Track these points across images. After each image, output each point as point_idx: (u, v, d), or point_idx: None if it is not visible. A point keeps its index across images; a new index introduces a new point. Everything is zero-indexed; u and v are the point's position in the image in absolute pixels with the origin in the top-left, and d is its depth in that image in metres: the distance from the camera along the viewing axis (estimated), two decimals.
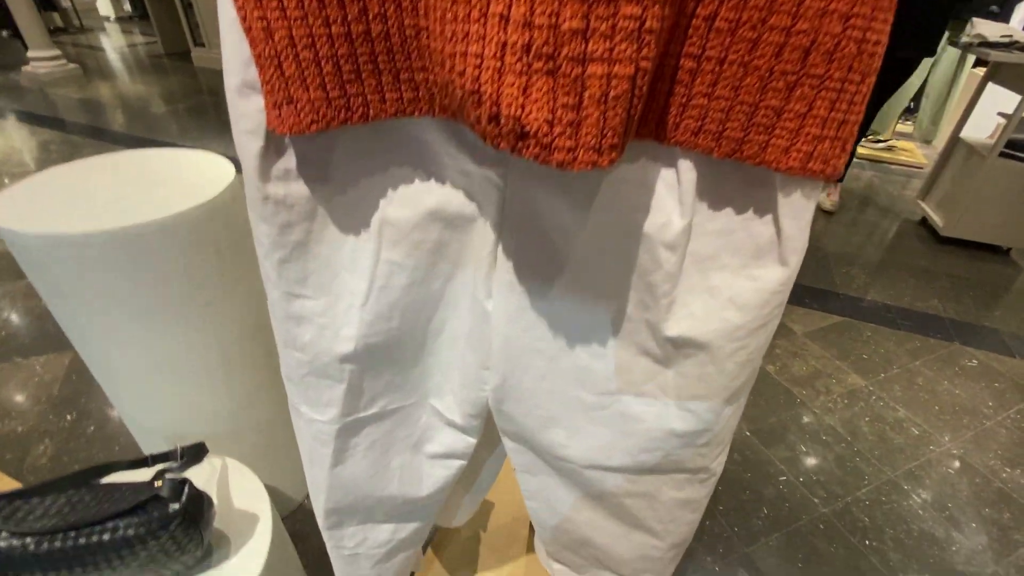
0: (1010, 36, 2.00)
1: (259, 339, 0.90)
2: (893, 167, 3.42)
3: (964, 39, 2.17)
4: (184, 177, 0.79)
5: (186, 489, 0.61)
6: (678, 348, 0.38)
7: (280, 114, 0.31)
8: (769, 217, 0.33)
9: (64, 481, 0.65)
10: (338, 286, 0.42)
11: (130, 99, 3.97)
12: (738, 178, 0.33)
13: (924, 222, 2.64)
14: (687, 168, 0.31)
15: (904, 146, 3.68)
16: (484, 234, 0.40)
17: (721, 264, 0.35)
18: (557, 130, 0.25)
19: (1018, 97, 2.02)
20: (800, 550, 1.13)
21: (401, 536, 0.66)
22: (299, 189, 0.37)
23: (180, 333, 0.77)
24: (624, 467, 0.47)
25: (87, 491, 0.63)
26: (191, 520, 0.62)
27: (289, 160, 0.36)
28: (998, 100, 2.26)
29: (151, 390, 0.82)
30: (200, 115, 3.69)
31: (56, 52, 4.23)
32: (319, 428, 0.52)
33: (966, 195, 2.29)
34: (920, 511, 1.23)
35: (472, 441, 0.54)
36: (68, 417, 1.35)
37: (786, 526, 1.18)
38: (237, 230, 0.80)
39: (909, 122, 4.12)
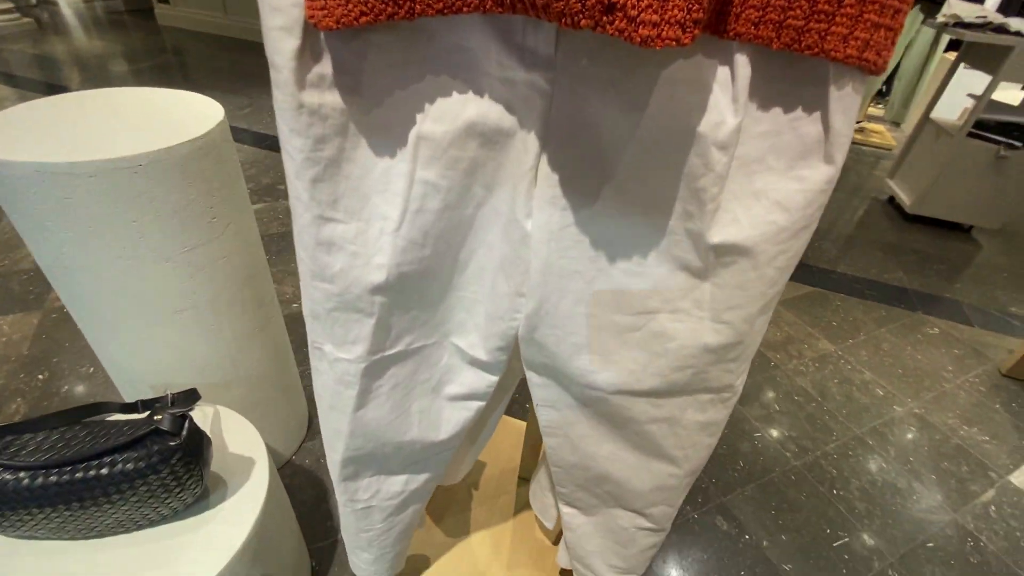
0: (984, 17, 2.06)
1: (251, 288, 0.89)
2: (864, 148, 3.52)
3: (939, 19, 2.23)
4: (172, 115, 0.76)
5: (186, 424, 0.61)
6: (720, 256, 0.39)
7: (325, 4, 0.29)
8: (817, 115, 0.34)
9: (54, 418, 0.64)
10: (369, 210, 0.41)
11: (88, 57, 3.75)
12: (790, 75, 0.33)
13: (892, 200, 2.74)
14: (742, 64, 0.31)
15: (875, 128, 3.79)
16: (525, 149, 0.39)
17: (767, 166, 0.36)
18: (645, 3, 0.25)
19: (988, 78, 2.10)
20: (773, 499, 1.19)
21: (413, 487, 0.67)
22: (334, 99, 0.36)
23: (169, 275, 0.75)
24: (653, 390, 0.48)
25: (81, 428, 0.62)
26: (191, 455, 0.61)
27: (325, 65, 0.34)
28: (969, 82, 2.34)
29: (137, 336, 0.80)
30: (165, 75, 3.51)
31: (8, 5, 3.95)
32: (344, 368, 0.51)
33: (933, 174, 2.38)
34: (884, 464, 1.30)
35: (494, 380, 0.55)
36: (40, 376, 1.30)
37: (760, 478, 1.24)
38: (228, 171, 0.78)
39: (880, 105, 4.24)
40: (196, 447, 0.62)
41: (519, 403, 1.35)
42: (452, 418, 0.58)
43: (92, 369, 1.33)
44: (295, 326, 1.34)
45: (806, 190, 0.36)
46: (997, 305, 1.98)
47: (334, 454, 0.61)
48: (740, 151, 0.35)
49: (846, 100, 0.33)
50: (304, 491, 1.10)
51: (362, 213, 0.41)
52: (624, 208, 0.40)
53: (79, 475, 0.57)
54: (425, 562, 0.95)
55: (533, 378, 0.54)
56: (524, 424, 1.05)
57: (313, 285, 0.46)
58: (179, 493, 0.62)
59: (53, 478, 0.56)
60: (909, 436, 1.39)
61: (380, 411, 0.55)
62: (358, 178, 0.40)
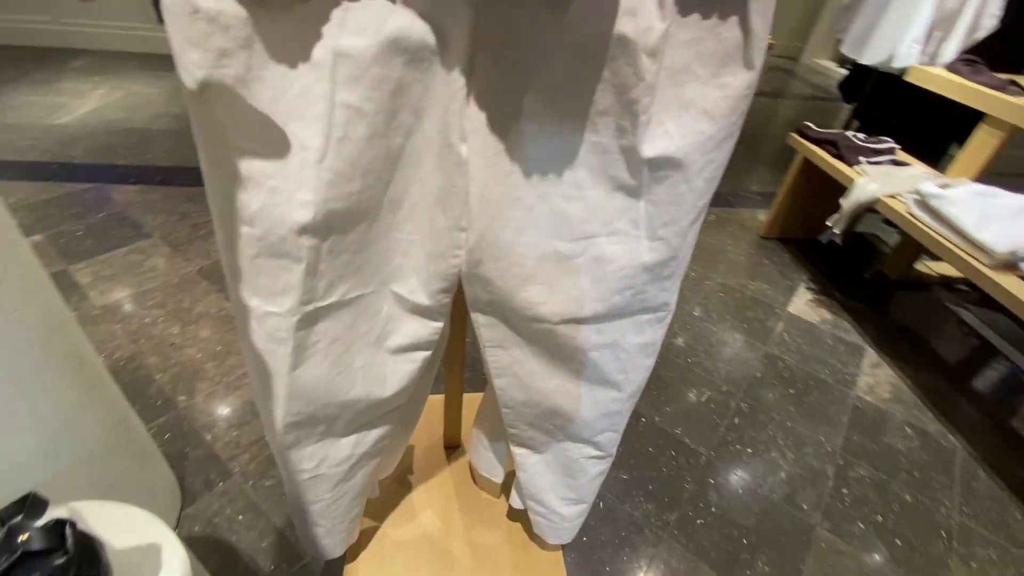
0: None
1: (59, 344, 0.67)
2: None
3: None
4: None
5: (67, 529, 0.45)
6: (653, 171, 0.41)
7: None
8: (735, 19, 0.37)
9: None
10: (287, 140, 0.36)
11: None
12: None
13: None
14: None
15: None
16: (453, 69, 0.36)
17: (694, 75, 0.39)
18: None
19: None
20: (651, 384, 1.38)
21: (362, 450, 0.61)
22: (234, 7, 0.30)
23: None
24: (596, 315, 0.50)
25: None
26: (90, 565, 0.46)
27: None
28: None
29: None
30: None
31: None
32: (275, 323, 0.45)
33: None
34: (712, 327, 1.62)
35: (438, 327, 0.52)
36: None
37: None
38: None
39: None
40: (91, 555, 0.47)
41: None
42: (398, 371, 0.55)
43: None
44: (126, 378, 1.04)
45: (729, 96, 0.40)
46: (742, 188, 2.54)
47: (272, 423, 0.54)
48: (667, 60, 0.38)
49: (763, 1, 0.37)
50: (209, 561, 0.92)
51: (280, 141, 0.36)
52: (559, 127, 0.39)
53: None
54: (380, 539, 0.90)
55: (479, 319, 0.53)
56: (441, 397, 1.03)
57: (231, 231, 0.40)
58: None
59: None
60: (719, 299, 1.74)
61: (319, 369, 0.49)
62: (271, 101, 0.34)
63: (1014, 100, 1.47)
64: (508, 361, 0.57)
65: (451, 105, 0.38)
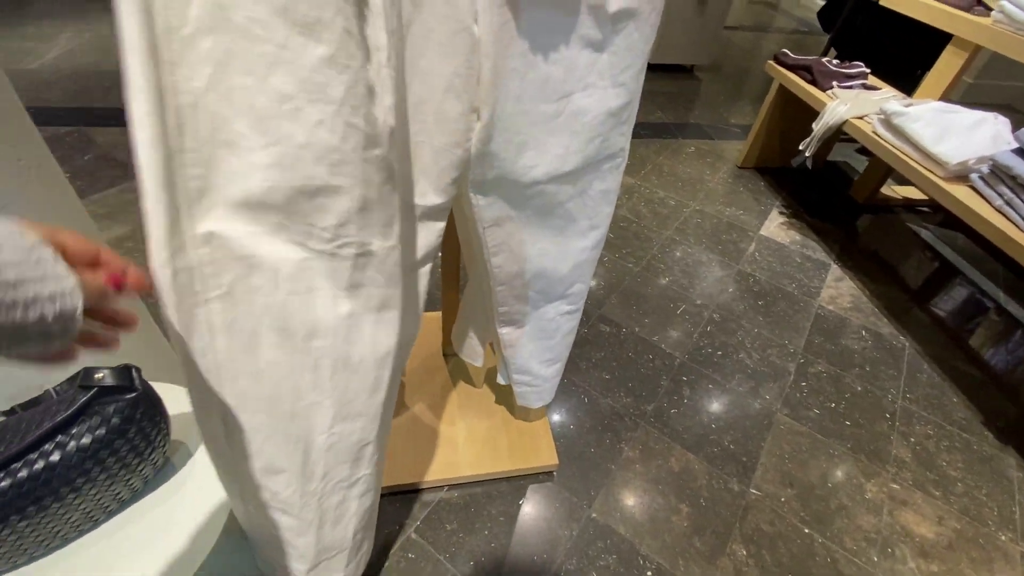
0: None
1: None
2: None
3: None
4: None
5: (134, 373, 0.53)
6: (615, 24, 0.49)
7: None
8: None
9: None
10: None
11: None
12: None
13: None
14: None
15: None
16: None
17: None
18: None
19: None
20: (631, 299, 1.50)
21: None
22: None
23: None
24: (575, 169, 0.59)
25: None
26: (153, 405, 0.55)
27: None
28: None
29: None
30: None
31: None
32: (395, 260, 0.49)
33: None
34: (689, 249, 1.71)
35: (441, 227, 0.57)
36: None
37: (617, 288, 1.53)
38: (5, 89, 0.61)
39: None
40: (153, 398, 0.55)
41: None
42: (419, 288, 0.61)
43: None
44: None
45: None
46: (722, 121, 2.59)
47: (378, 395, 0.55)
48: None
49: None
50: None
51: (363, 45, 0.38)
52: None
53: (24, 474, 0.47)
54: (400, 446, 1.01)
55: (479, 201, 0.60)
56: (438, 314, 1.13)
57: (363, 155, 0.40)
58: (150, 455, 0.56)
59: None
60: (698, 225, 1.83)
61: (412, 304, 0.56)
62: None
63: (979, 20, 1.53)
64: (503, 236, 0.65)
65: None
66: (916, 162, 1.38)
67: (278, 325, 0.45)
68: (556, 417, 1.16)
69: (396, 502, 0.98)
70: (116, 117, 2.04)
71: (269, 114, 0.36)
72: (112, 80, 2.30)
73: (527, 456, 1.04)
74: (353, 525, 0.64)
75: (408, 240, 0.52)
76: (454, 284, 1.03)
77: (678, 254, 1.69)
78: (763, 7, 4.71)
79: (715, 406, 1.23)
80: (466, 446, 1.03)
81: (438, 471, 0.99)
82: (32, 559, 0.53)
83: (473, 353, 1.01)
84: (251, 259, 0.42)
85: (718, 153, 2.28)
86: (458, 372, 1.17)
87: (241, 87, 0.35)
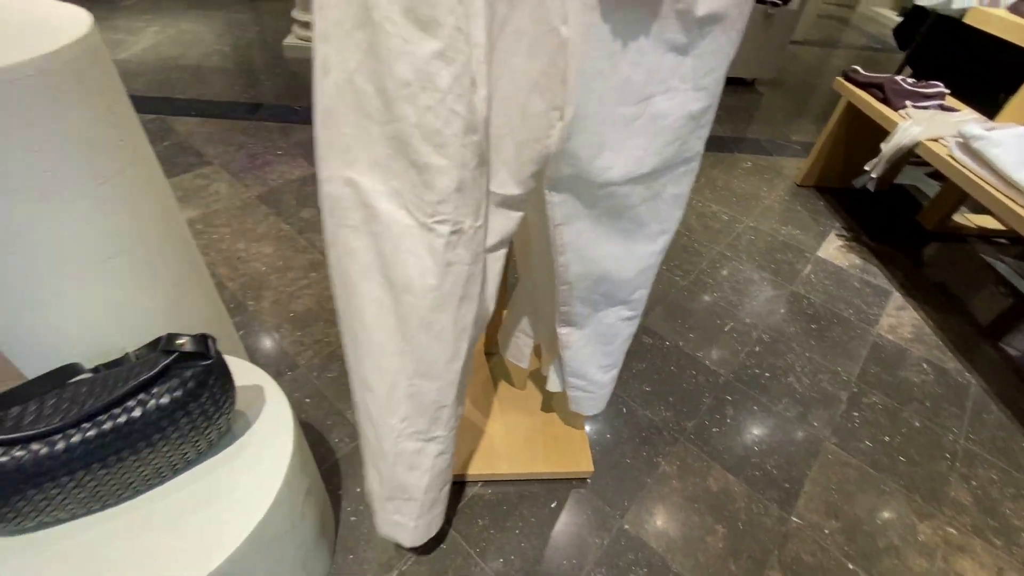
0: None
1: (173, 222, 0.79)
2: None
3: None
4: (23, 18, 0.60)
5: (210, 342, 0.57)
6: (701, 28, 0.49)
7: None
8: None
9: (30, 386, 0.55)
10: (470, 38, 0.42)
11: None
12: None
13: None
14: None
15: None
16: None
17: None
18: None
19: None
20: (676, 312, 1.47)
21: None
22: None
23: (89, 214, 0.64)
24: (652, 170, 0.59)
25: (73, 388, 0.55)
26: (224, 374, 0.59)
27: None
28: None
29: (61, 297, 0.68)
30: None
31: None
32: (480, 240, 0.54)
33: None
34: (739, 266, 1.67)
35: (519, 217, 0.59)
36: None
37: (663, 300, 1.51)
38: (115, 81, 0.67)
39: None
40: (225, 365, 0.59)
41: None
42: (492, 271, 0.62)
43: None
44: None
45: None
46: (782, 137, 2.51)
47: (455, 363, 0.62)
48: None
49: None
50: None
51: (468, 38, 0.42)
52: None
53: (108, 426, 0.52)
54: None
55: (553, 198, 0.61)
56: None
57: (463, 140, 0.46)
58: (217, 419, 0.60)
59: (78, 437, 0.51)
60: (750, 242, 1.78)
61: (487, 284, 0.59)
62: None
63: None
64: (573, 235, 0.65)
65: None
66: (996, 189, 1.30)
67: (384, 271, 0.55)
68: (593, 425, 1.15)
69: None
70: (194, 108, 2.17)
71: (394, 96, 0.44)
72: (192, 73, 2.46)
73: (563, 460, 1.03)
74: (426, 480, 0.72)
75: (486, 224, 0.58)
76: (501, 285, 1.05)
77: (728, 270, 1.65)
78: (833, 22, 4.54)
79: (759, 428, 1.19)
80: (503, 444, 1.04)
81: (474, 466, 1.01)
82: (105, 506, 0.58)
83: (519, 355, 1.02)
84: (373, 210, 0.51)
85: (776, 170, 2.22)
86: (499, 372, 1.18)
87: (376, 71, 0.43)
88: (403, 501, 0.74)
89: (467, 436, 1.05)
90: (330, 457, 1.04)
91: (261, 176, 1.81)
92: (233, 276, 1.42)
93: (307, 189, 1.77)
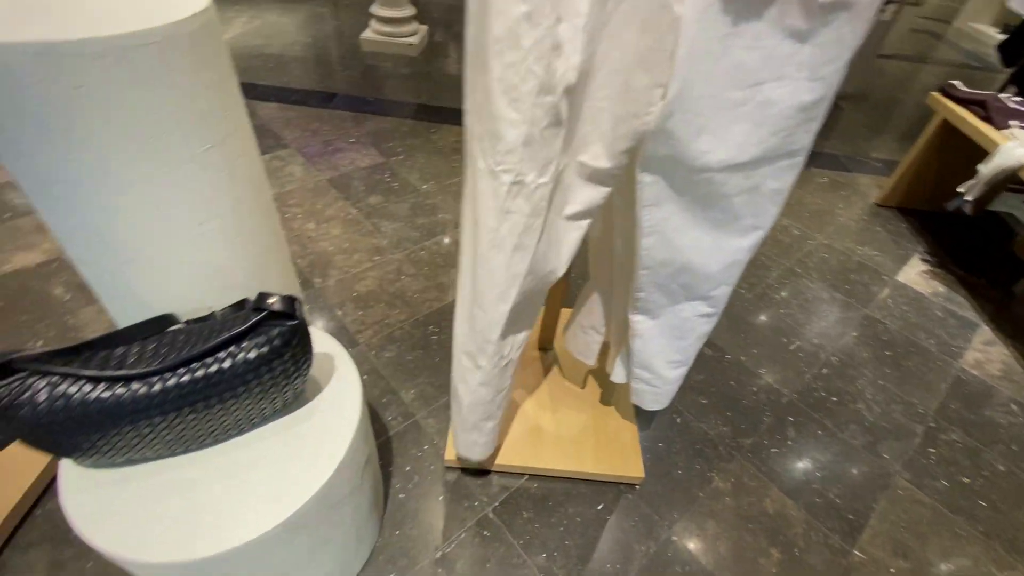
0: None
1: (262, 194, 0.83)
2: None
3: None
4: None
5: (296, 304, 0.59)
6: (825, 15, 0.46)
7: None
8: None
9: (132, 330, 0.59)
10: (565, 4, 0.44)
11: None
12: None
13: None
14: None
15: None
16: None
17: None
18: None
19: None
20: (739, 325, 1.42)
21: (527, 333, 0.76)
22: None
23: (193, 178, 0.68)
24: (752, 159, 0.56)
25: (171, 335, 0.58)
26: (306, 336, 0.61)
27: None
28: None
29: (157, 259, 0.73)
30: None
31: None
32: (542, 195, 0.56)
33: None
34: (810, 284, 1.59)
35: (607, 191, 0.60)
36: None
37: (726, 312, 1.45)
38: (225, 54, 0.71)
39: None
40: (307, 329, 0.62)
41: None
42: (568, 239, 0.63)
43: (53, 332, 1.16)
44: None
45: None
46: (863, 153, 2.38)
47: (502, 305, 0.66)
48: None
49: None
50: None
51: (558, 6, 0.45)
52: None
53: (200, 373, 0.55)
54: None
55: (644, 178, 0.60)
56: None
57: (535, 99, 0.49)
58: (295, 379, 0.62)
59: (173, 381, 0.54)
60: (822, 260, 1.69)
61: (544, 241, 0.60)
62: None
63: None
64: (659, 218, 0.64)
65: None
66: None
67: (474, 202, 0.61)
68: (645, 432, 1.12)
69: (479, 479, 1.00)
70: (275, 94, 2.29)
71: (488, 50, 0.48)
72: (274, 62, 2.59)
73: (613, 463, 1.01)
74: (468, 399, 0.82)
75: (567, 188, 0.60)
76: (560, 282, 1.04)
77: (796, 287, 1.57)
78: (926, 36, 4.27)
79: (823, 454, 1.13)
80: (553, 440, 1.03)
81: (522, 458, 1.00)
82: (187, 450, 0.61)
83: (587, 351, 1.01)
84: (472, 156, 0.59)
85: (854, 187, 2.10)
86: (553, 368, 1.17)
87: (483, 26, 0.48)
88: (456, 407, 0.86)
89: (517, 428, 1.05)
90: (383, 434, 1.06)
91: (333, 162, 1.88)
92: (303, 254, 1.48)
93: (375, 177, 1.83)
